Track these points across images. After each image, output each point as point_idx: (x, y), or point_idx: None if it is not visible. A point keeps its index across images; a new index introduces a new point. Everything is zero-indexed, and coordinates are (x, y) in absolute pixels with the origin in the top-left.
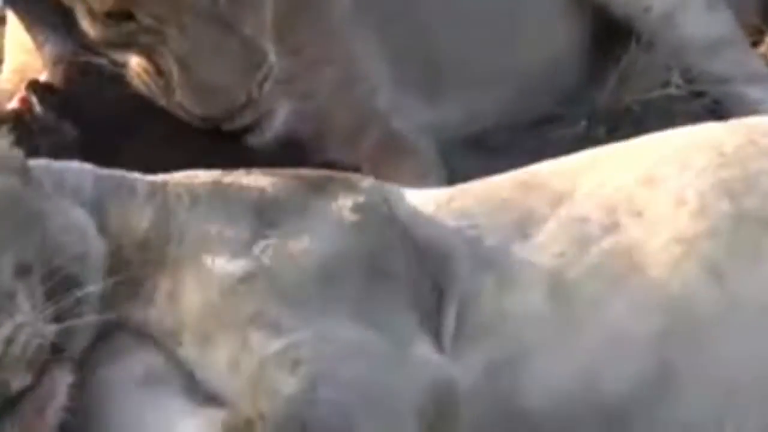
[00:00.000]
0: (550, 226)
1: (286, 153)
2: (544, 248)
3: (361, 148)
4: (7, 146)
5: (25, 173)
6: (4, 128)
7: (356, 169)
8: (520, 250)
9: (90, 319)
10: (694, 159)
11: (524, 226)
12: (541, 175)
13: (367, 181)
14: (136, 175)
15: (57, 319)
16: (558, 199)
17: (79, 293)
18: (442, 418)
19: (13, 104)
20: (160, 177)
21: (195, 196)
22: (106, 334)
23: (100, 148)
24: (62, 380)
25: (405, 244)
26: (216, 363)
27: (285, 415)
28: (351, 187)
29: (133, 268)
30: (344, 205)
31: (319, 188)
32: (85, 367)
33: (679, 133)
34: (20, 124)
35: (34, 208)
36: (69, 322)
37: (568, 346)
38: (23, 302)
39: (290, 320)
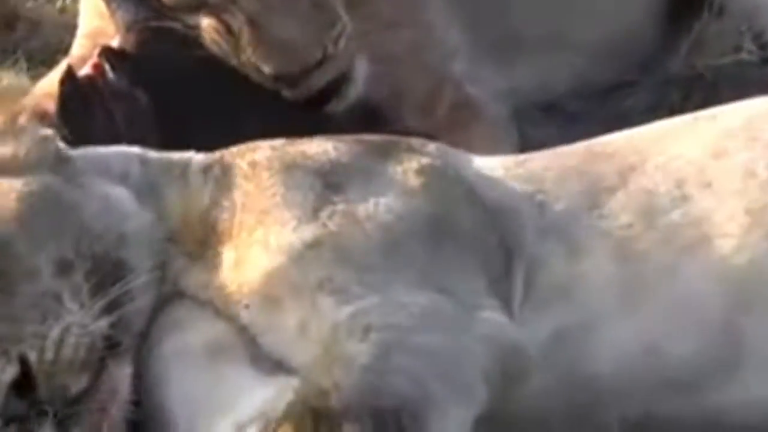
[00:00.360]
0: (619, 196)
1: (362, 121)
2: (612, 218)
3: (436, 114)
4: (40, 140)
5: (59, 165)
6: (35, 121)
7: (431, 137)
8: (589, 219)
9: (142, 302)
10: (763, 131)
11: (593, 195)
12: (612, 145)
13: (431, 146)
14: (189, 153)
15: (107, 310)
16: (628, 170)
17: (127, 279)
18: (510, 383)
19: (86, 70)
20: (216, 152)
21: (257, 165)
22: (166, 307)
23: (174, 114)
24: (122, 374)
25: (472, 207)
26: (284, 328)
27: (359, 385)
28: (415, 151)
29: (197, 240)
30: (409, 168)
31: (382, 152)
32: (145, 341)
33: (749, 105)
34: (93, 89)
35: (68, 201)
36: (121, 310)
37: (636, 313)
38: (69, 301)
39: (359, 286)
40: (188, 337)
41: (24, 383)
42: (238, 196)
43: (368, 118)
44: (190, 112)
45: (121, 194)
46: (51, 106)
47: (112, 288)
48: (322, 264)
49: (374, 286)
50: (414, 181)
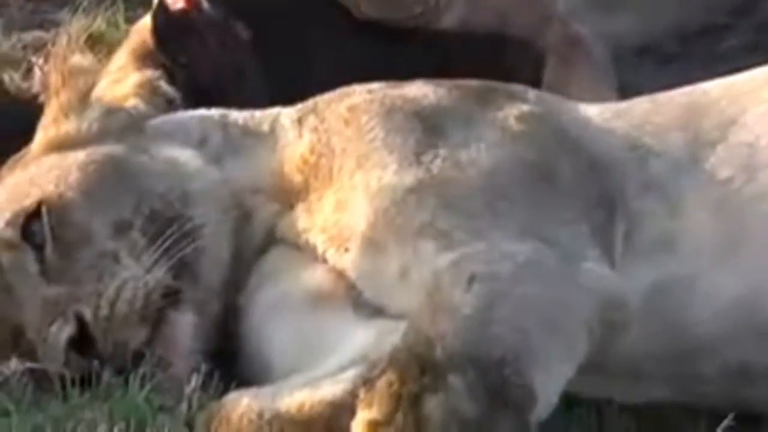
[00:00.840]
0: (720, 150)
1: (465, 56)
2: (712, 172)
3: (541, 48)
4: (105, 113)
5: (125, 135)
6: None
7: (534, 74)
8: (689, 173)
9: (212, 254)
10: None
11: (693, 149)
12: (710, 96)
13: (531, 92)
14: (276, 108)
15: (166, 264)
16: (728, 123)
17: (188, 234)
18: (610, 334)
19: (181, 4)
20: (309, 102)
21: (355, 109)
22: (264, 257)
23: (273, 48)
24: (183, 324)
25: (574, 156)
26: (386, 271)
27: (463, 336)
28: (515, 98)
29: (295, 189)
30: (509, 114)
31: (482, 98)
32: (242, 291)
33: None
34: (188, 22)
35: (129, 166)
36: (180, 263)
37: (735, 266)
38: (126, 258)
39: (461, 232)
40: (288, 284)
41: (83, 341)
42: (337, 142)
43: (472, 53)
44: (286, 43)
45: (187, 156)
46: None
47: (172, 243)
48: (425, 208)
49: (477, 233)
50: (515, 127)
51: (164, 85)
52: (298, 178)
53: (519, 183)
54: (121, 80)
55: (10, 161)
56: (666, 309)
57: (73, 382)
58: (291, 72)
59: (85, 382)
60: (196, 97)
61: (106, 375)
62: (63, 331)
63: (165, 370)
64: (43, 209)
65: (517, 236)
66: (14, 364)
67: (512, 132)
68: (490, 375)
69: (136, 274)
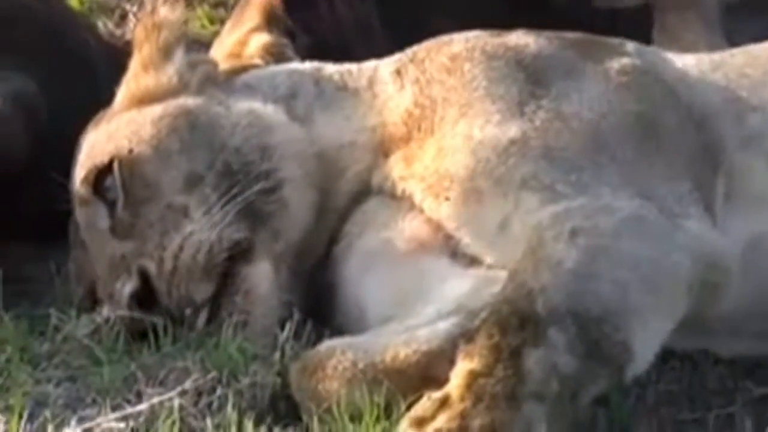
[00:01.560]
0: None
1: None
2: None
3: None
4: (185, 67)
5: (205, 88)
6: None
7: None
8: None
9: (292, 209)
10: None
11: None
12: None
13: (630, 45)
14: (373, 62)
15: (238, 217)
16: None
17: (265, 187)
18: (711, 293)
19: None
20: (406, 52)
21: (457, 58)
22: (360, 207)
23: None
24: (258, 277)
25: (675, 109)
26: (485, 222)
27: (565, 290)
28: (615, 50)
29: (395, 140)
30: (611, 67)
31: (583, 50)
32: (339, 241)
33: None
34: None
35: (205, 120)
36: (254, 216)
37: None
38: (195, 212)
39: (564, 185)
40: (384, 234)
41: (147, 296)
42: (439, 91)
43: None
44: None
45: (269, 110)
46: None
47: (246, 198)
48: (527, 160)
49: (579, 186)
50: (617, 80)
51: (289, 52)
52: (401, 131)
53: (622, 136)
54: (247, 41)
55: (97, 117)
56: (762, 264)
57: (165, 330)
58: (411, 29)
59: (177, 330)
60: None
61: (199, 324)
62: (126, 287)
63: (244, 323)
64: (115, 164)
65: (619, 190)
66: (106, 311)
67: (614, 84)
68: (590, 330)
69: (202, 228)
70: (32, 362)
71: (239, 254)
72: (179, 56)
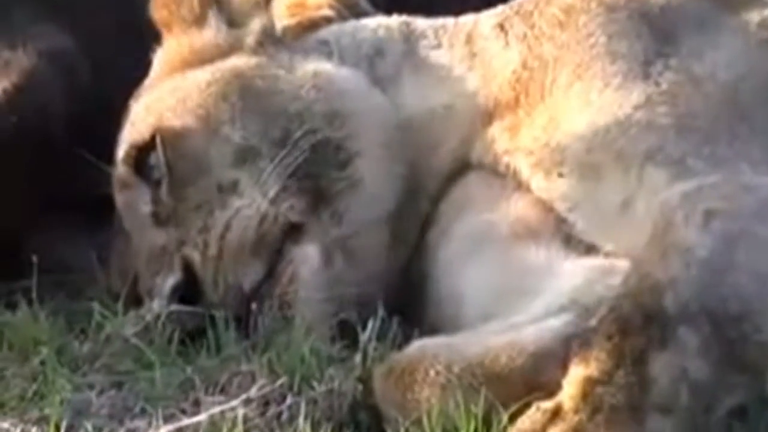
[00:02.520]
0: None
1: None
2: None
3: None
4: (239, 14)
5: (263, 47)
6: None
7: None
8: None
9: (366, 186)
10: None
11: None
12: None
13: None
14: (471, 15)
15: (293, 193)
16: None
17: (331, 160)
18: None
19: None
20: (510, 3)
21: (571, 10)
22: (457, 184)
23: None
24: (306, 258)
25: None
26: (604, 202)
27: (699, 283)
28: (755, 0)
29: (499, 106)
30: (750, 20)
31: (719, 0)
32: (435, 222)
33: None
34: None
35: (261, 84)
36: (313, 193)
37: None
38: (247, 188)
39: (696, 159)
40: (485, 216)
41: (191, 290)
42: (549, 49)
43: None
44: None
45: (344, 73)
46: None
47: (309, 172)
48: (653, 130)
49: (714, 161)
50: (758, 35)
51: (363, 2)
52: (506, 96)
53: (764, 102)
54: None
55: (138, 89)
56: None
57: (227, 327)
58: None
59: (242, 328)
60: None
61: (266, 321)
62: (168, 281)
63: (285, 315)
64: (158, 140)
65: (761, 165)
66: (157, 306)
67: (755, 40)
68: (726, 330)
69: (253, 202)
70: (71, 365)
71: (289, 232)
72: (230, 8)
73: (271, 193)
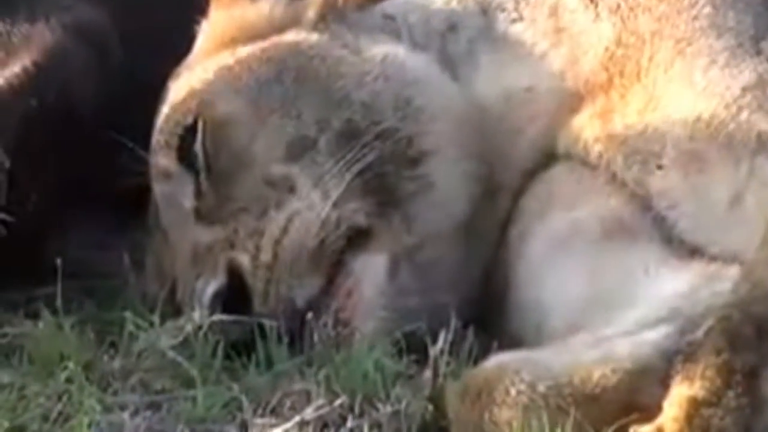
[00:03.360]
0: None
1: None
2: None
3: None
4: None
5: (325, 22)
6: None
7: None
8: None
9: (441, 188)
10: None
11: None
12: None
13: None
14: None
15: (359, 194)
16: None
17: (402, 155)
18: None
19: None
20: None
21: None
22: (540, 178)
23: None
24: (369, 270)
25: None
26: (709, 198)
27: None
28: None
29: (588, 89)
30: None
31: None
32: (516, 221)
33: None
34: None
35: (320, 66)
36: (379, 193)
37: None
38: (303, 187)
39: None
40: (573, 213)
41: (237, 298)
42: (646, 22)
43: None
44: None
45: (415, 57)
46: None
47: (376, 169)
48: (764, 114)
49: None
50: None
51: None
52: (598, 77)
53: None
54: None
55: (179, 66)
56: None
57: (278, 338)
58: None
59: (296, 340)
60: None
61: (324, 333)
62: (210, 286)
63: (342, 332)
64: (200, 125)
65: None
66: (198, 315)
67: None
68: None
69: (312, 204)
70: (101, 383)
71: (354, 239)
72: None
73: (334, 194)
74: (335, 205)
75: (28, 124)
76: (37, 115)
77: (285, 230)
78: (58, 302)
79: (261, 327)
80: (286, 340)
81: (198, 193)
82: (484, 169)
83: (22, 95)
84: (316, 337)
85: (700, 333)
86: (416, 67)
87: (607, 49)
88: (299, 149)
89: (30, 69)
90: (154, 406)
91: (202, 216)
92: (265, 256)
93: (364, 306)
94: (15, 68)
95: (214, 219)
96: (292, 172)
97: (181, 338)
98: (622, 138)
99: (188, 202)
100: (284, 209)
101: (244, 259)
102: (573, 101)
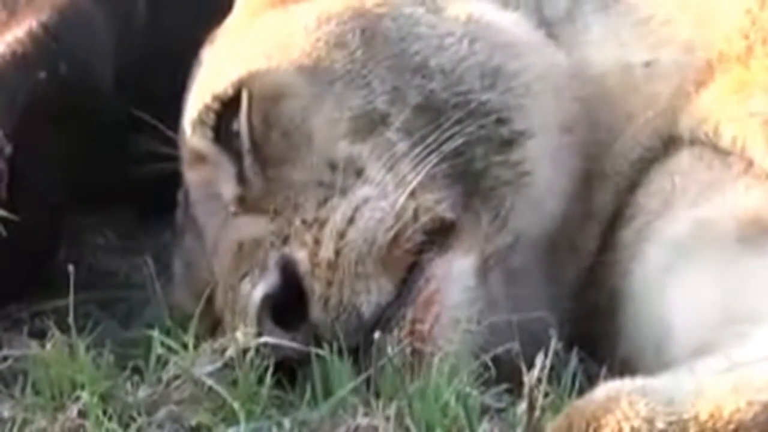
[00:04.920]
0: None
1: None
2: None
3: None
4: None
5: None
6: None
7: None
8: None
9: (540, 175)
10: None
11: None
12: None
13: None
14: None
15: (440, 182)
16: None
17: (489, 135)
18: None
19: None
20: None
21: None
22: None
23: None
24: (454, 278)
25: None
26: None
27: None
28: None
29: (724, 62)
30: None
31: None
32: (628, 222)
33: None
34: None
35: (395, 24)
36: (464, 181)
37: None
38: (372, 168)
39: None
40: (702, 209)
41: (289, 302)
42: None
43: None
44: None
45: (508, 17)
46: None
47: (460, 152)
48: None
49: None
50: None
51: None
52: (737, 46)
53: None
54: None
55: (215, 31)
56: None
57: (339, 360)
58: None
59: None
60: None
61: (395, 352)
62: (258, 288)
63: (417, 351)
64: (243, 97)
65: None
66: (242, 338)
67: None
68: None
69: (385, 191)
70: (122, 416)
71: (435, 235)
72: None
73: (412, 180)
74: (412, 194)
75: (34, 101)
76: (46, 91)
77: (351, 221)
78: (70, 318)
79: (318, 343)
80: (348, 360)
81: (241, 179)
82: (588, 155)
83: (27, 66)
84: (385, 358)
85: None
86: (507, 28)
87: (748, 12)
88: (368, 125)
89: (37, 33)
90: None
91: (246, 206)
92: (326, 253)
93: (447, 318)
94: (19, 32)
95: (262, 209)
96: (359, 152)
97: (221, 363)
98: (764, 117)
99: (229, 190)
100: (350, 197)
101: (300, 256)
102: (702, 75)
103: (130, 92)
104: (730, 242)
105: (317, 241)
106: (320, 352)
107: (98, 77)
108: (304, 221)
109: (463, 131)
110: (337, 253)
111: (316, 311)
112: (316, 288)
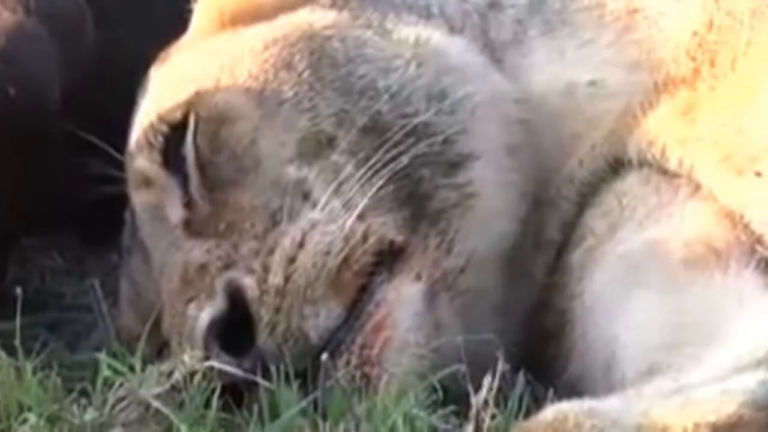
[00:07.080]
0: None
1: None
2: None
3: None
4: None
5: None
6: None
7: None
8: None
9: (477, 204)
10: None
11: None
12: None
13: None
14: None
15: (388, 204)
16: None
17: (435, 159)
18: None
19: None
20: None
21: None
22: (608, 192)
23: None
24: (403, 302)
25: None
26: None
27: None
28: None
29: (672, 84)
30: None
31: None
32: (575, 245)
33: None
34: None
35: (342, 46)
36: (414, 205)
37: None
38: (320, 191)
39: None
40: (650, 232)
41: (236, 328)
42: (742, 3)
43: None
44: None
45: (454, 41)
46: None
47: (407, 174)
48: None
49: None
50: None
51: None
52: (684, 68)
53: None
54: None
55: (166, 51)
56: None
57: (286, 383)
58: None
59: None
60: None
61: (342, 377)
62: (204, 314)
63: (365, 376)
64: (190, 120)
65: None
66: (189, 361)
67: None
68: None
69: (333, 215)
70: None
71: (383, 259)
72: None
73: (359, 202)
74: (361, 216)
75: None
76: None
77: (300, 245)
78: (17, 341)
79: (265, 368)
80: (296, 382)
81: (188, 202)
82: (535, 178)
83: None
84: (333, 381)
85: None
86: (454, 52)
87: (695, 34)
88: (315, 148)
89: None
90: None
91: (193, 229)
92: (275, 278)
93: (396, 342)
94: None
95: (209, 233)
96: (306, 175)
97: (168, 386)
98: (712, 140)
99: (176, 214)
100: (298, 221)
101: (247, 282)
102: (649, 97)
103: (79, 113)
104: (677, 265)
105: (266, 268)
106: (266, 380)
107: (46, 99)
108: (251, 246)
109: (409, 151)
110: (287, 279)
111: (263, 337)
112: (263, 315)
